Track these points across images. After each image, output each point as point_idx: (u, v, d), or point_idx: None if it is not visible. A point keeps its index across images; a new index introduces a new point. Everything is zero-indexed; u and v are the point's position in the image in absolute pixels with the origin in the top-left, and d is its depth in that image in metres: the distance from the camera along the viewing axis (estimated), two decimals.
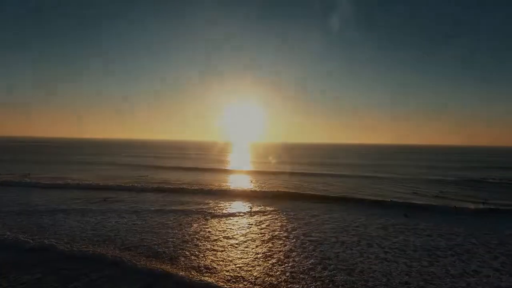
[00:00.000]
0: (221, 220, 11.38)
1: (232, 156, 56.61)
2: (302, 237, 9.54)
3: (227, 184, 20.58)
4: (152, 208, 12.95)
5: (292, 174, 27.43)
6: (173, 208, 13.09)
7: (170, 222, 10.99)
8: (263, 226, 10.75)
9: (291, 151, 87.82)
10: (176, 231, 9.87)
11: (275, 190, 17.45)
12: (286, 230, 10.26)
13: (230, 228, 10.39)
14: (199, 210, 12.84)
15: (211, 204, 14.14)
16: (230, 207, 13.57)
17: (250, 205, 13.94)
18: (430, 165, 41.73)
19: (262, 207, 13.64)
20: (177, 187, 18.06)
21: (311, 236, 9.65)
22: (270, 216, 12.16)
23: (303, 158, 53.96)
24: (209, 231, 9.99)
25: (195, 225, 10.60)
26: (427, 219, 12.17)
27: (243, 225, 10.80)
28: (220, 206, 13.68)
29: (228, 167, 34.24)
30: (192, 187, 18.24)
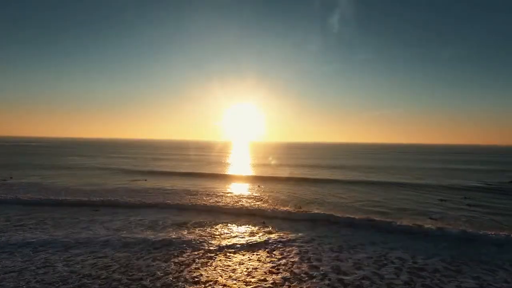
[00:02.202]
0: (221, 258, 8.29)
1: (234, 157, 54.16)
2: (331, 275, 6.89)
3: (232, 196, 17.69)
4: (128, 238, 9.57)
5: (304, 180, 24.80)
6: (159, 236, 9.83)
7: (143, 268, 7.30)
8: (283, 267, 8.07)
9: (293, 151, 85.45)
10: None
11: (296, 211, 13.68)
12: (315, 269, 7.67)
13: (236, 273, 7.34)
14: (194, 240, 9.68)
15: (211, 227, 11.31)
16: (236, 235, 10.38)
17: (264, 231, 10.88)
18: (442, 167, 39.35)
19: (280, 234, 10.54)
20: (173, 203, 15.30)
21: (346, 275, 7.01)
22: (292, 250, 9.06)
23: (308, 159, 51.44)
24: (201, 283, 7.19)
25: (181, 274, 7.11)
26: (489, 247, 9.46)
27: (254, 266, 7.80)
28: (223, 233, 10.59)
29: (231, 171, 31.80)
30: (190, 201, 15.69)
